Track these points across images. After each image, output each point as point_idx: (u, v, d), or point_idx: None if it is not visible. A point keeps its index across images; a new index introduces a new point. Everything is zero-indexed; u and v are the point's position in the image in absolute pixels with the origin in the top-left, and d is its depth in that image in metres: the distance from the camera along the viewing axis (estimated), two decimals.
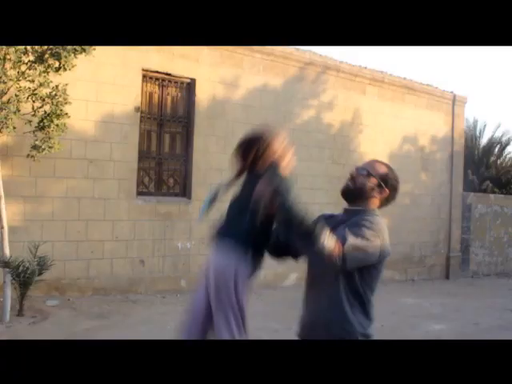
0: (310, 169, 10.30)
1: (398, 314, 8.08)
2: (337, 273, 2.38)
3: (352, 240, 2.32)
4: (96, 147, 8.01)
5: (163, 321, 6.60)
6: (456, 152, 13.59)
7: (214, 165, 9.17)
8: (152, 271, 8.62)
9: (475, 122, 18.70)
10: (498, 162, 18.60)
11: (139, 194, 8.58)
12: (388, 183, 2.56)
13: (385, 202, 2.60)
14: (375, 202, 2.57)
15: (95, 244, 8.05)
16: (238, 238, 2.62)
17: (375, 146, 11.54)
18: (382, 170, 2.60)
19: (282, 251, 2.71)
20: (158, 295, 8.41)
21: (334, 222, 2.53)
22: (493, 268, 14.53)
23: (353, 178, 2.58)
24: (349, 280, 2.41)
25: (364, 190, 2.54)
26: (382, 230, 2.45)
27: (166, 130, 9.01)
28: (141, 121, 8.54)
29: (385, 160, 2.64)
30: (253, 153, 2.69)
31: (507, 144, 18.68)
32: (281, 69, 10.08)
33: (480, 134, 18.68)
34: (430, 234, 12.90)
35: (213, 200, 2.77)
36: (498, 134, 18.55)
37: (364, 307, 2.45)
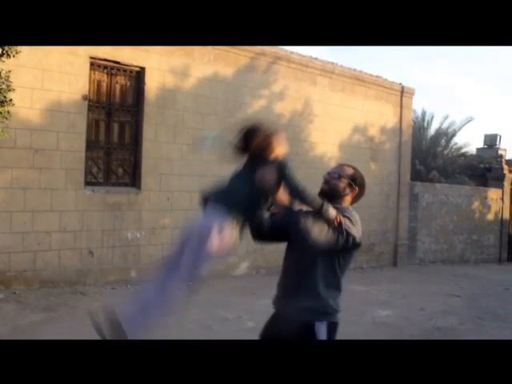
0: None
1: (347, 301, 8.18)
2: (316, 255, 2.77)
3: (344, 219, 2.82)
4: (42, 136, 7.81)
5: None
6: (404, 142, 13.87)
7: (163, 154, 9.09)
8: (101, 262, 8.50)
9: (423, 113, 19.11)
10: (445, 152, 19.04)
11: (87, 184, 8.42)
12: (356, 182, 2.99)
13: (356, 198, 3.04)
14: (348, 199, 3.01)
15: (42, 235, 7.87)
16: (232, 206, 2.69)
17: (325, 135, 11.67)
18: (350, 171, 3.00)
19: (267, 236, 2.98)
20: (108, 286, 8.30)
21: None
22: (439, 255, 14.94)
23: (327, 182, 2.98)
24: (329, 262, 2.81)
25: (338, 190, 2.96)
26: (358, 222, 2.93)
27: (115, 119, 8.85)
28: (89, 109, 8.37)
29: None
30: (256, 142, 2.99)
31: (453, 135, 19.16)
32: (232, 58, 10.04)
33: (428, 125, 19.08)
34: (379, 222, 13.14)
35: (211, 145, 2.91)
36: (445, 126, 18.99)
37: (338, 284, 2.89)
